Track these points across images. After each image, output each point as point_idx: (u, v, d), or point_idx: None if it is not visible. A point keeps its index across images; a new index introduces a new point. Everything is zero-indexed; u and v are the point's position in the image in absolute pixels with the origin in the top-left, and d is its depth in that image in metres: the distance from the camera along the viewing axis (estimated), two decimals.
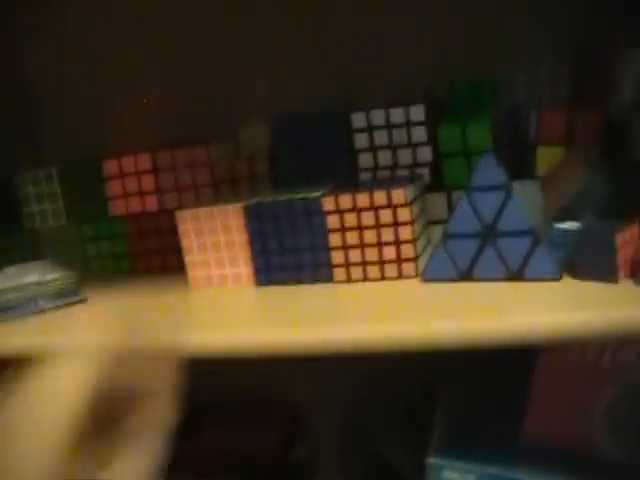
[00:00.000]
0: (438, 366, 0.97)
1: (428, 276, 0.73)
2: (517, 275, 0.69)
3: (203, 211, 0.82)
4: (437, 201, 0.84)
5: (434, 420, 0.88)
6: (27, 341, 0.78)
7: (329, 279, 0.78)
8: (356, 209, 0.76)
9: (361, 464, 0.98)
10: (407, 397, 1.00)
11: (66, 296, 0.88)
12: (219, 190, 0.93)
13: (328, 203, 0.76)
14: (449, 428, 0.85)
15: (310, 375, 1.10)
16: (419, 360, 0.98)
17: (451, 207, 0.83)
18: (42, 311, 0.87)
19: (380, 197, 0.74)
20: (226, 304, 0.78)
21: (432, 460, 0.78)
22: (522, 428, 0.81)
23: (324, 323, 0.67)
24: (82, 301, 0.88)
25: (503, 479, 0.77)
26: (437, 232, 0.82)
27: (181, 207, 0.85)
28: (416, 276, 0.76)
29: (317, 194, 0.78)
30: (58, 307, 0.87)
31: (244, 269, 0.82)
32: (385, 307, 0.68)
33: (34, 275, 0.88)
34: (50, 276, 0.88)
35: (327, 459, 0.97)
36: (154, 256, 0.96)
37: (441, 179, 0.84)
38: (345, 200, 0.76)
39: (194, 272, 0.85)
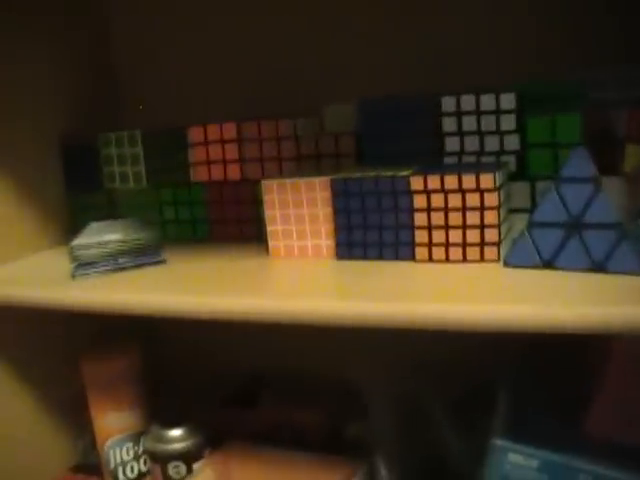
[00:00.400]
0: (503, 351, 0.98)
1: (510, 261, 0.74)
2: (600, 267, 0.70)
3: (289, 182, 0.84)
4: (520, 190, 0.84)
5: (494, 404, 0.89)
6: (106, 297, 0.80)
7: (410, 258, 0.79)
8: (443, 190, 0.76)
9: (417, 444, 0.99)
10: (468, 380, 1.01)
11: (147, 256, 0.90)
12: (302, 164, 0.94)
13: (416, 182, 0.77)
14: (513, 413, 0.85)
15: (370, 352, 1.11)
16: (484, 343, 0.99)
17: (534, 197, 0.84)
18: (122, 269, 0.89)
19: (468, 180, 0.75)
20: (304, 274, 0.80)
21: (498, 442, 0.78)
22: (586, 420, 0.81)
23: (400, 298, 0.67)
24: (162, 262, 0.90)
25: (567, 467, 0.77)
26: (518, 220, 0.83)
27: (263, 178, 0.87)
28: (498, 261, 0.76)
29: (405, 173, 0.79)
30: (138, 266, 0.90)
31: (325, 242, 0.84)
32: (464, 288, 0.69)
33: (117, 233, 0.90)
34: (133, 235, 0.90)
35: (382, 437, 0.98)
36: (232, 225, 0.98)
37: (525, 168, 0.84)
38: (433, 180, 0.77)
39: (274, 242, 0.86)
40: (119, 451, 1.03)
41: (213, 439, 1.03)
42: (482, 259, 0.77)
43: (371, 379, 1.04)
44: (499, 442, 0.79)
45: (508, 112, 0.84)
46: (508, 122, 0.84)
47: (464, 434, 0.97)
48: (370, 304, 0.67)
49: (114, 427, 1.03)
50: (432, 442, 0.99)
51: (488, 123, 0.84)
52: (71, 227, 1.08)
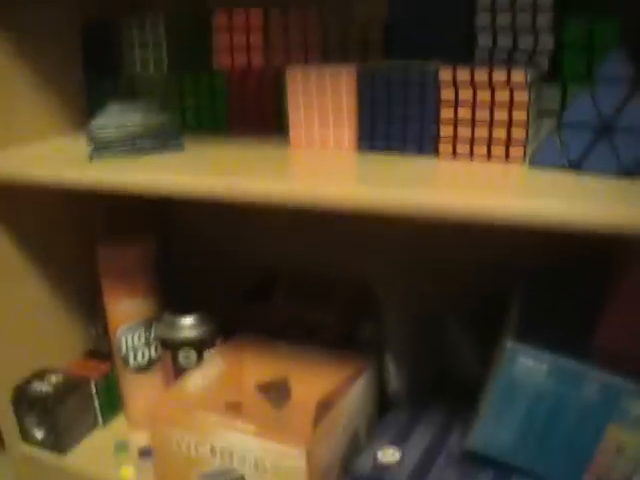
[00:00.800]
0: (519, 259, 0.98)
1: (536, 161, 0.72)
2: (629, 171, 0.68)
3: (315, 71, 0.82)
4: (551, 92, 0.81)
5: (508, 313, 0.89)
6: (123, 177, 0.79)
7: (434, 153, 0.78)
8: (473, 84, 0.74)
9: (428, 347, 0.99)
10: (483, 287, 1.01)
11: (166, 140, 0.89)
12: (329, 54, 0.92)
13: (445, 74, 0.75)
14: (526, 319, 0.85)
15: (387, 254, 1.10)
16: (501, 250, 0.98)
17: (564, 100, 0.81)
18: (140, 151, 0.88)
19: (499, 75, 0.73)
20: (324, 163, 0.78)
21: (509, 344, 0.78)
22: (597, 330, 0.81)
23: (421, 186, 0.67)
24: (181, 147, 0.89)
25: (575, 373, 0.77)
26: (547, 123, 0.81)
27: (287, 67, 0.84)
28: (523, 160, 0.74)
29: (434, 65, 0.76)
30: (157, 149, 0.88)
31: (348, 133, 0.82)
32: (487, 183, 0.68)
33: (137, 115, 0.88)
34: (153, 118, 0.88)
35: (393, 338, 0.98)
36: (253, 114, 0.96)
37: (558, 71, 0.81)
38: (462, 73, 0.74)
39: (296, 131, 0.85)
40: (131, 337, 1.04)
41: (225, 330, 1.03)
42: (507, 157, 0.75)
43: (387, 282, 1.04)
44: (510, 344, 0.78)
45: (545, 9, 0.81)
46: (544, 20, 0.81)
47: (475, 340, 0.97)
48: (389, 190, 0.66)
49: (126, 314, 1.03)
50: (443, 346, 0.99)
51: (523, 20, 0.81)
52: (90, 112, 1.06)
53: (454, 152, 0.77)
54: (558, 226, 0.60)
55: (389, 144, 0.80)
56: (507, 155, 0.75)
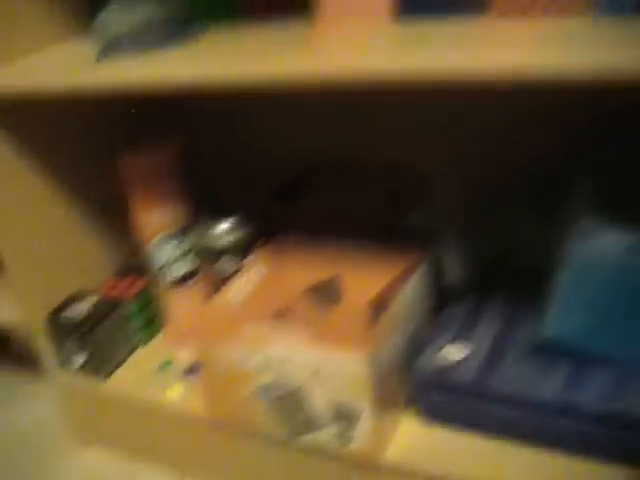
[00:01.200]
0: (583, 131, 0.89)
1: (603, 9, 0.63)
2: None
3: None
4: None
5: (572, 191, 0.81)
6: (138, 74, 0.72)
7: (483, 12, 0.69)
8: None
9: (484, 232, 0.91)
10: (542, 164, 0.92)
11: (177, 32, 0.81)
12: None
13: None
14: (595, 197, 0.77)
15: (432, 136, 1.02)
16: (564, 120, 0.89)
17: None
18: (151, 46, 0.80)
19: None
20: (359, 34, 0.71)
21: (584, 222, 0.71)
22: None
23: (473, 49, 0.59)
24: (196, 38, 0.81)
25: None
26: None
27: None
28: (586, 12, 0.65)
29: None
30: (168, 43, 0.80)
31: None
32: (551, 39, 0.59)
33: (144, 9, 0.80)
34: (161, 10, 0.80)
35: (446, 225, 0.91)
36: None
37: None
38: None
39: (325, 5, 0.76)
40: (165, 249, 0.97)
41: (265, 232, 0.96)
42: (566, 9, 0.65)
43: (434, 163, 0.96)
44: (585, 222, 0.71)
45: None
46: None
47: (535, 218, 0.89)
48: (437, 56, 0.58)
49: (158, 224, 0.97)
50: (500, 227, 0.91)
51: None
52: (93, 15, 0.97)
53: (504, 8, 0.67)
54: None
55: (431, 7, 0.70)
56: (565, 6, 0.65)
